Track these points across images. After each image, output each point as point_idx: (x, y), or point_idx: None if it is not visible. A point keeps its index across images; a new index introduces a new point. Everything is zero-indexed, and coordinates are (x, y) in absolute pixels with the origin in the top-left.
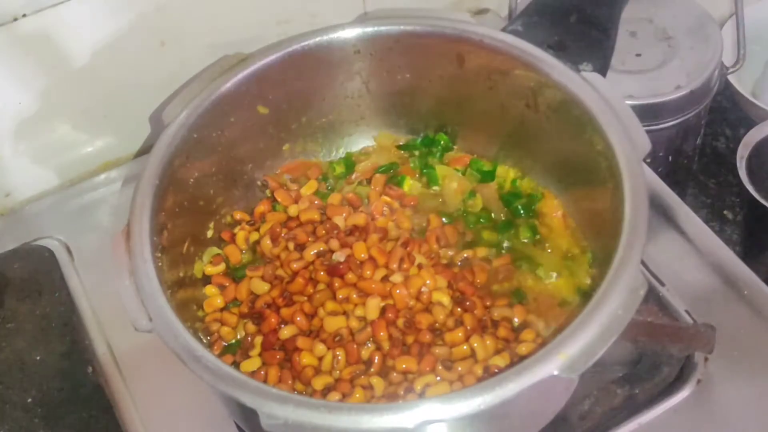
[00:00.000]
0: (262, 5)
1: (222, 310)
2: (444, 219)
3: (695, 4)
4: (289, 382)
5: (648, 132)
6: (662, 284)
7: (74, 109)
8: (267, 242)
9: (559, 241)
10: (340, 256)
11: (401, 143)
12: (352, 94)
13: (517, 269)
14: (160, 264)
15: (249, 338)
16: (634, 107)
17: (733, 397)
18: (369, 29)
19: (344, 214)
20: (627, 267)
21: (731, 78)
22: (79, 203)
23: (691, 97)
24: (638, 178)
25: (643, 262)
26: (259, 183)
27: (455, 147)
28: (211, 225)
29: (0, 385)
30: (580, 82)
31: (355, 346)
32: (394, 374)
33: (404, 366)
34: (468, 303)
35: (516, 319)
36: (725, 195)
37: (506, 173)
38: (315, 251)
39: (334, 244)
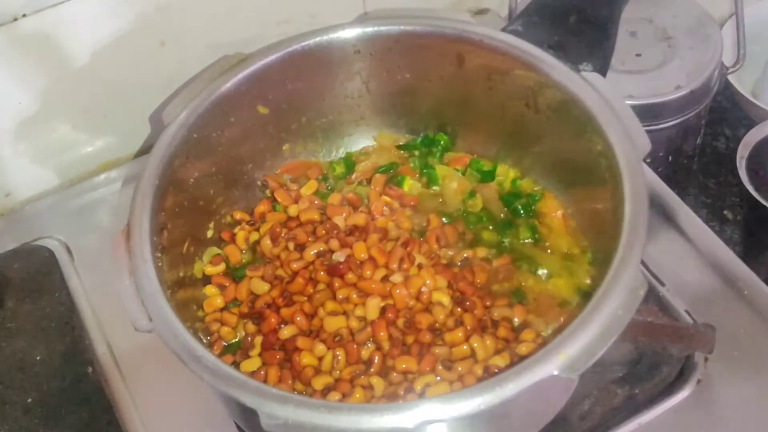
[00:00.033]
0: (262, 5)
1: (222, 310)
2: (444, 219)
3: (695, 4)
4: (289, 382)
5: (648, 132)
6: (662, 284)
7: (74, 109)
8: (267, 242)
9: (559, 241)
10: (340, 256)
11: (401, 143)
12: (352, 94)
13: (517, 269)
14: (160, 264)
15: (249, 338)
16: (634, 107)
17: (733, 397)
18: (369, 29)
19: (344, 214)
20: (627, 267)
21: (731, 78)
22: (79, 203)
23: (691, 97)
24: (638, 178)
25: (643, 262)
26: (259, 183)
27: (455, 147)
28: (211, 225)
29: (0, 385)
30: (580, 82)
31: (355, 346)
32: (394, 374)
33: (404, 366)
34: (468, 303)
35: (516, 319)
36: (725, 195)
37: (506, 173)
38: (315, 251)
39: (334, 244)
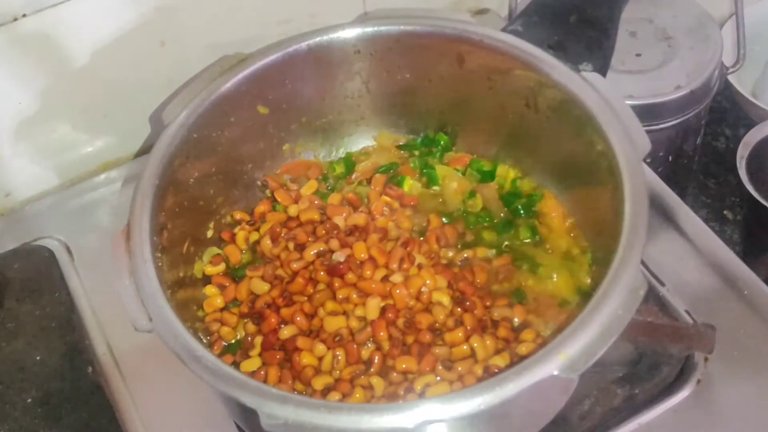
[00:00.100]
0: (262, 5)
1: (222, 310)
2: (444, 219)
3: (695, 4)
4: (289, 382)
5: (648, 132)
6: (662, 284)
7: (74, 109)
8: (267, 242)
9: (559, 241)
10: (340, 256)
11: (401, 143)
12: (352, 94)
13: (517, 269)
14: (160, 264)
15: (249, 338)
16: (634, 107)
17: (733, 397)
18: (369, 29)
19: (344, 214)
20: (627, 267)
21: (731, 78)
22: (79, 203)
23: (691, 97)
24: (638, 178)
25: (643, 262)
26: (259, 183)
27: (455, 147)
28: (211, 225)
29: (0, 385)
30: (580, 82)
31: (355, 346)
32: (394, 374)
33: (404, 366)
34: (468, 303)
35: (516, 319)
36: (725, 195)
37: (506, 173)
38: (315, 251)
39: (334, 244)
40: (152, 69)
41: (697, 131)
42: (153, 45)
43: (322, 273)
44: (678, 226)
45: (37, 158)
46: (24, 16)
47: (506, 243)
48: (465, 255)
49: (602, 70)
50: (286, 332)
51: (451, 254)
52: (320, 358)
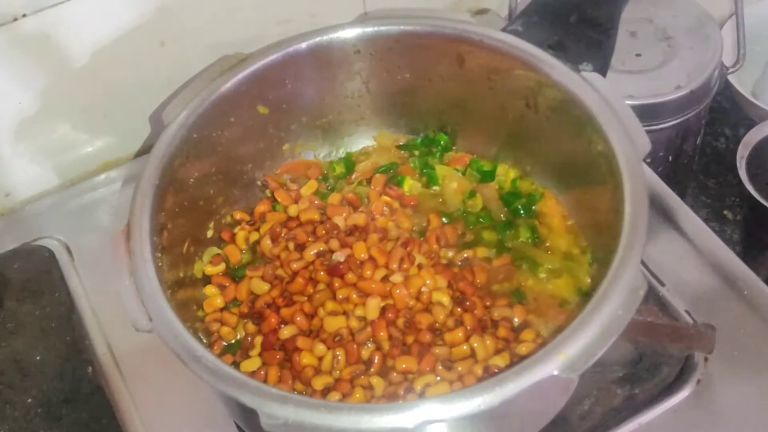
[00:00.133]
0: (262, 5)
1: (222, 310)
2: (444, 219)
3: (695, 4)
4: (289, 382)
5: (648, 132)
6: (662, 284)
7: (74, 109)
8: (267, 242)
9: (559, 241)
10: (340, 256)
11: (401, 143)
12: (352, 94)
13: (517, 269)
14: (160, 264)
15: (249, 338)
16: (634, 107)
17: (733, 397)
18: (369, 29)
19: (344, 214)
20: (627, 267)
21: (731, 78)
22: (79, 203)
23: (691, 97)
24: (638, 178)
25: (643, 262)
26: (259, 183)
27: (455, 147)
28: (211, 225)
29: (0, 385)
30: (580, 82)
31: (355, 346)
32: (394, 374)
33: (404, 366)
34: (468, 303)
35: (516, 319)
36: (725, 195)
37: (506, 173)
38: (315, 251)
39: (334, 244)
40: (152, 69)
41: (697, 131)
42: (153, 45)
43: (322, 273)
44: (678, 226)
45: (37, 158)
46: (24, 16)
47: (506, 243)
48: (465, 255)
49: (602, 70)
50: (286, 332)
51: (451, 254)
52: (320, 358)
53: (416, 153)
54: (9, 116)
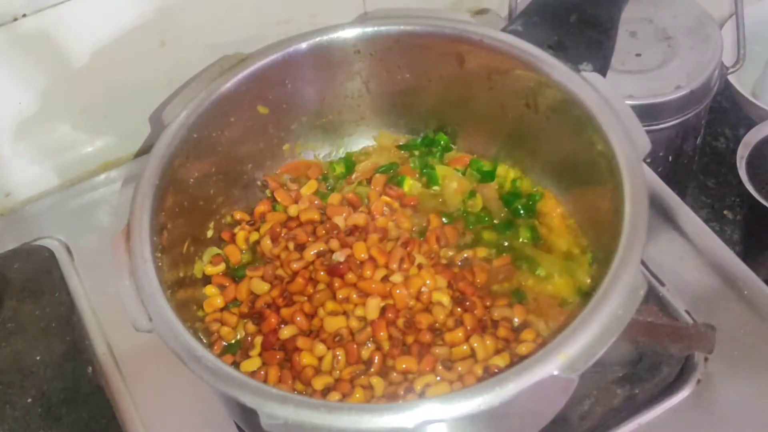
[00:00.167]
0: (262, 5)
1: (222, 310)
2: (444, 219)
3: (695, 4)
4: (289, 382)
5: (648, 132)
6: (662, 284)
7: (74, 109)
8: (267, 242)
9: (559, 241)
10: (340, 256)
11: (401, 143)
12: (352, 94)
13: (517, 269)
14: (160, 264)
15: (249, 338)
16: (634, 107)
17: (733, 397)
18: (369, 29)
19: (344, 214)
20: (627, 267)
21: (731, 78)
22: (79, 203)
23: (691, 97)
24: (638, 178)
25: (643, 262)
26: (259, 183)
27: (455, 147)
28: (211, 225)
29: (0, 385)
30: (580, 82)
31: (355, 346)
32: (394, 374)
33: (404, 366)
34: (468, 303)
35: (516, 319)
36: (725, 195)
37: (506, 173)
38: (315, 251)
39: (334, 244)
40: (152, 69)
41: (697, 131)
42: (153, 45)
43: (322, 273)
44: (678, 226)
45: (37, 158)
46: (24, 16)
47: (506, 243)
48: (465, 255)
49: (602, 70)
50: (286, 332)
51: (451, 254)
52: (320, 358)
53: (416, 153)
54: (9, 116)
